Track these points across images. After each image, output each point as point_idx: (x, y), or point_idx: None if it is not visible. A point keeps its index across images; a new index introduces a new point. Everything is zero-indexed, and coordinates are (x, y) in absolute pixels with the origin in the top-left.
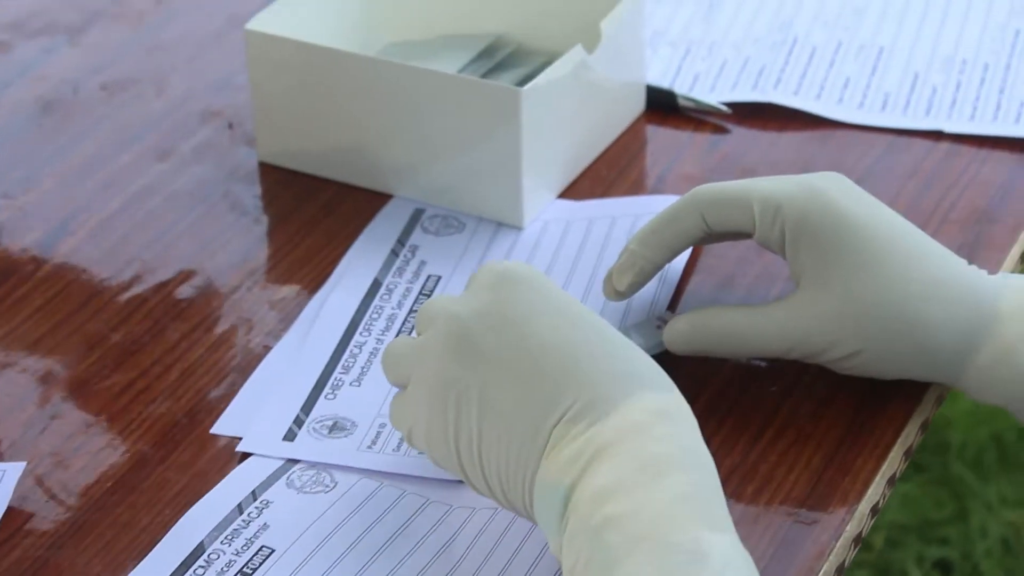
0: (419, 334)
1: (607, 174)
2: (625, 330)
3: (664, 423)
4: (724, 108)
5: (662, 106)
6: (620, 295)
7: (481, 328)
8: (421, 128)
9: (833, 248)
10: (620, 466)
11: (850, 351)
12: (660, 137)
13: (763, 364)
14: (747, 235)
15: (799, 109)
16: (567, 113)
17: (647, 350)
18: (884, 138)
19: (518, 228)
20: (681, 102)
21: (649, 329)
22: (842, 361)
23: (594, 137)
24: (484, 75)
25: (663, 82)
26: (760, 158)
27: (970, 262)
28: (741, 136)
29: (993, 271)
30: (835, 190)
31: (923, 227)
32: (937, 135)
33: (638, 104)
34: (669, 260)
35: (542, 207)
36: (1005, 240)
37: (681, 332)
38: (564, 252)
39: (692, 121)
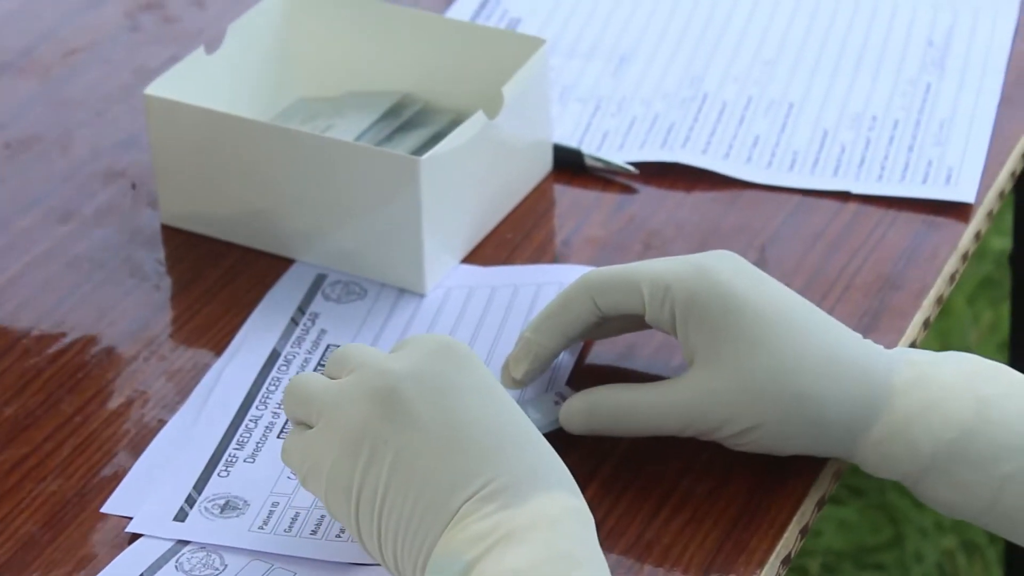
0: (333, 377)
1: (512, 237)
2: (523, 405)
3: (575, 523)
4: (631, 169)
5: (570, 165)
6: (517, 383)
7: (413, 390)
8: (322, 194)
9: (723, 327)
10: (531, 553)
11: (744, 428)
12: (567, 197)
13: (659, 443)
14: (640, 318)
15: (707, 169)
16: (470, 178)
17: (545, 426)
18: (792, 199)
19: (420, 295)
20: (588, 162)
21: (547, 405)
22: (736, 438)
23: (499, 199)
24: (392, 134)
25: (572, 140)
26: (667, 219)
27: (874, 329)
28: (648, 197)
29: (896, 338)
30: (724, 269)
31: (828, 293)
32: (845, 195)
33: (545, 164)
34: (565, 347)
35: (444, 272)
36: (909, 307)
37: (577, 412)
38: (466, 320)
39: (600, 181)
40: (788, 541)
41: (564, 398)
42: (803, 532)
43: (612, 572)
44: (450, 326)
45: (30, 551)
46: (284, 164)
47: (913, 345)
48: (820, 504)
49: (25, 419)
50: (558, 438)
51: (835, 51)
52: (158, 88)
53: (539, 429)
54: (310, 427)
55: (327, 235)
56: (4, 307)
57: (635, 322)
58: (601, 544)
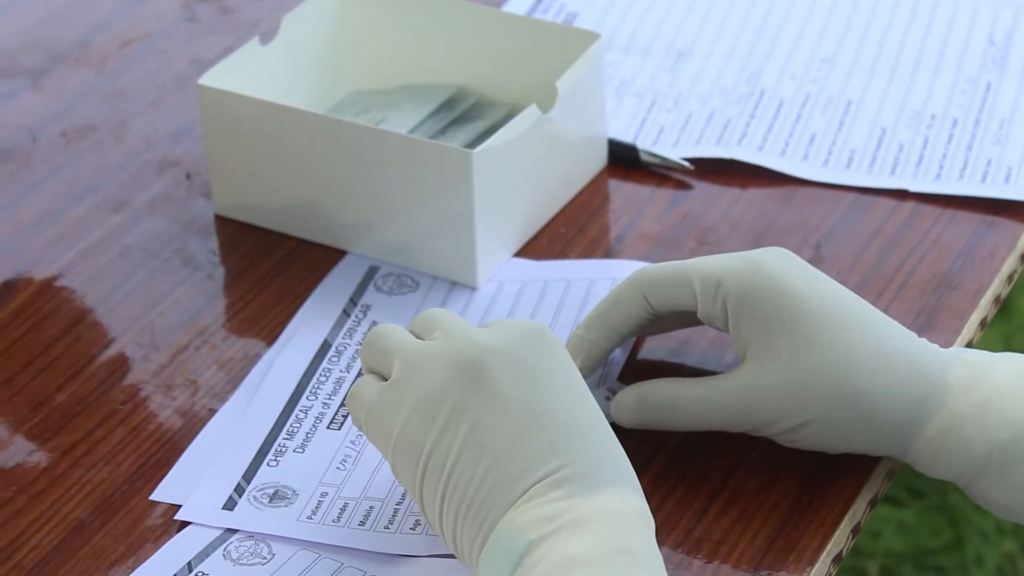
0: (418, 336)
1: (566, 232)
2: None
3: (639, 522)
4: (687, 164)
5: (625, 160)
6: None
7: (501, 366)
8: (375, 186)
9: (776, 322)
10: (594, 543)
11: (796, 424)
12: (622, 193)
13: (711, 437)
14: (691, 314)
15: (762, 166)
16: (523, 172)
17: None
18: (848, 196)
19: (472, 288)
20: (644, 157)
21: (599, 400)
22: (788, 434)
23: (553, 194)
24: (445, 127)
25: (627, 135)
26: (721, 216)
27: (929, 328)
28: (703, 193)
29: (952, 338)
30: (777, 265)
31: (883, 291)
32: (902, 194)
33: (599, 159)
34: (617, 344)
35: (497, 266)
36: (965, 306)
37: (627, 406)
38: (518, 313)
39: (655, 176)
40: (839, 540)
41: (615, 393)
42: (855, 531)
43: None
44: (503, 317)
45: (79, 537)
46: (338, 156)
47: (969, 345)
48: (872, 503)
49: (76, 406)
50: None
51: (894, 49)
52: (212, 78)
53: None
54: (384, 379)
55: (379, 227)
56: (57, 295)
57: (687, 319)
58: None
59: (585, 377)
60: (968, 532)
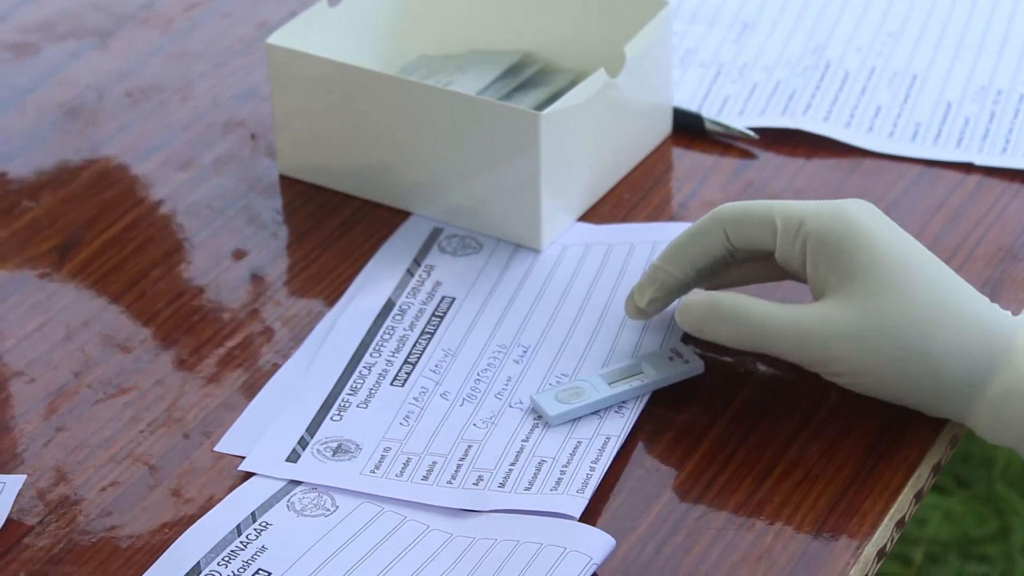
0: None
1: (629, 198)
2: (637, 361)
3: None
4: (751, 134)
5: (689, 129)
6: (641, 313)
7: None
8: (441, 148)
9: (856, 264)
10: None
11: (860, 367)
12: (686, 161)
13: (774, 400)
14: (766, 258)
15: (827, 136)
16: (589, 136)
17: (660, 381)
18: (913, 169)
19: (536, 250)
20: (708, 126)
21: (663, 361)
22: (850, 376)
23: (618, 160)
24: (510, 93)
25: (692, 104)
26: (786, 185)
27: (994, 299)
28: (767, 162)
29: (1017, 309)
30: (860, 212)
31: (948, 262)
32: (967, 167)
33: (664, 127)
34: (692, 278)
35: (561, 230)
36: None
37: (696, 304)
38: (582, 276)
39: (719, 145)
40: (902, 504)
41: (679, 354)
42: (917, 496)
43: (723, 529)
44: (565, 282)
45: (144, 485)
46: (405, 117)
47: None
48: (936, 469)
49: (140, 358)
50: (674, 393)
51: (960, 24)
52: (280, 38)
53: (653, 384)
54: None
55: (445, 189)
56: (123, 249)
57: (760, 267)
58: (712, 502)
59: (657, 310)
60: (1014, 522)
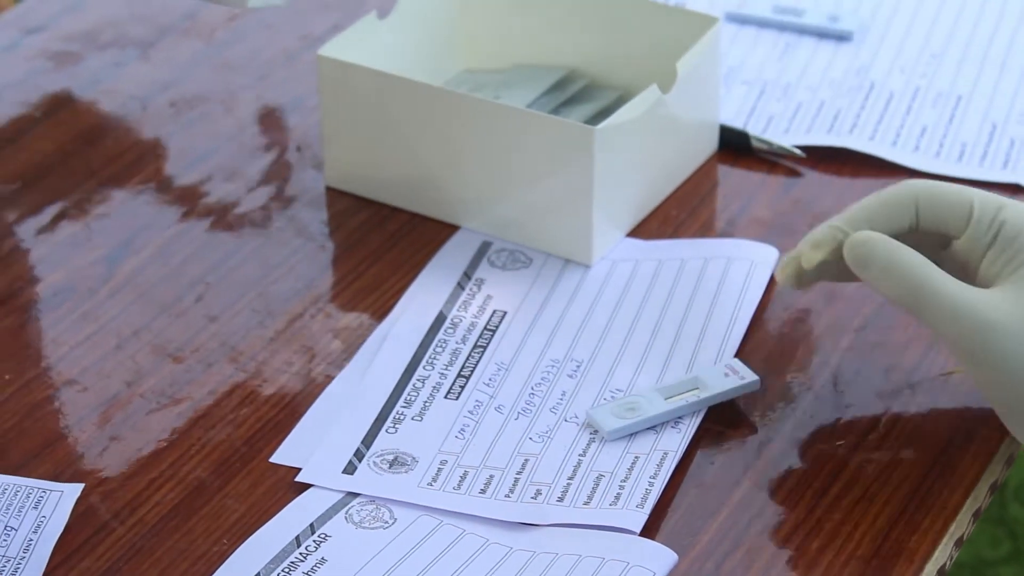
0: None
1: (677, 214)
2: (693, 377)
3: None
4: (798, 152)
5: (735, 147)
6: (799, 279)
7: None
8: (491, 161)
9: None
10: None
11: (1007, 365)
12: (732, 178)
13: (829, 419)
14: (949, 238)
15: (874, 155)
16: (639, 152)
17: (716, 397)
18: None
19: (586, 265)
20: (755, 143)
21: (718, 376)
22: (992, 372)
23: (666, 176)
24: (556, 108)
25: (737, 122)
26: (833, 203)
27: None
28: (814, 181)
29: None
30: None
31: None
32: (1014, 188)
33: (711, 144)
34: None
35: (610, 246)
36: None
37: (874, 243)
38: (633, 292)
39: (765, 163)
40: (961, 523)
41: (734, 370)
42: (976, 515)
43: (783, 547)
44: (616, 297)
45: (200, 495)
46: (456, 130)
47: None
48: (993, 489)
49: (193, 368)
50: (730, 410)
51: (1004, 46)
52: (331, 50)
53: (709, 400)
54: None
55: (494, 202)
56: (171, 260)
57: (915, 259)
58: (770, 519)
59: (812, 281)
60: None
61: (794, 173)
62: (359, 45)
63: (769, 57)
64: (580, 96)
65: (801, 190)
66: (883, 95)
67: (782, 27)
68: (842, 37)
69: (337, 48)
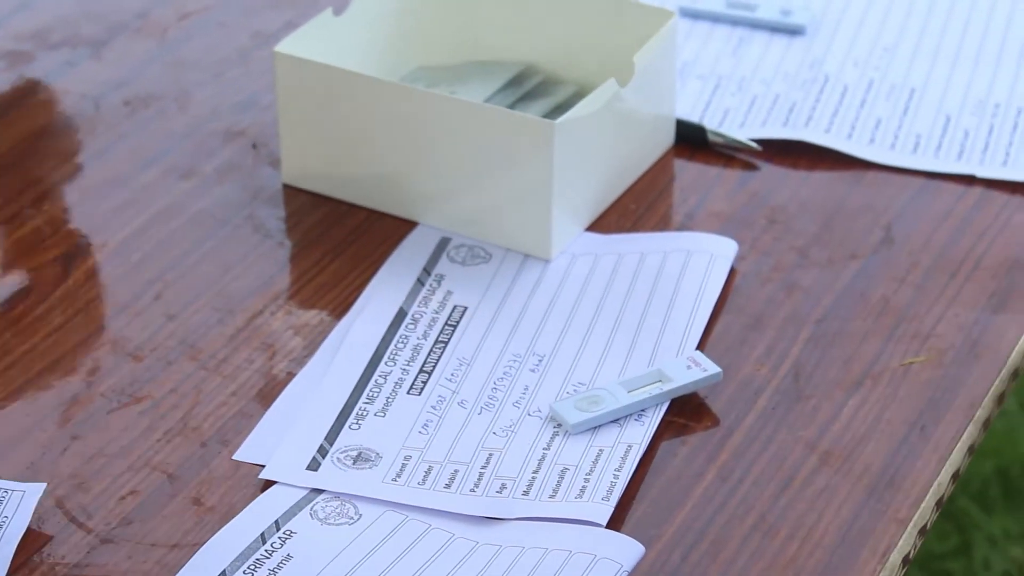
0: None
1: (635, 208)
2: (656, 369)
3: None
4: (754, 145)
5: (691, 140)
6: None
7: None
8: (449, 157)
9: None
10: None
11: None
12: (689, 172)
13: (791, 410)
14: None
15: (830, 148)
16: (598, 146)
17: (679, 389)
18: (916, 180)
19: (545, 260)
20: (711, 137)
21: (681, 369)
22: None
23: (624, 170)
24: (512, 104)
25: (692, 116)
26: (790, 196)
27: (1002, 309)
28: (770, 173)
29: (1022, 322)
30: None
31: (955, 272)
32: (969, 179)
33: (667, 138)
34: None
35: (570, 240)
36: None
37: None
38: (593, 285)
39: (721, 157)
40: (925, 512)
41: (696, 363)
42: (939, 504)
43: (748, 537)
44: (577, 291)
45: (163, 493)
46: (414, 126)
47: None
48: (955, 477)
49: (154, 367)
50: (693, 402)
51: (956, 37)
52: (287, 47)
53: (672, 392)
54: None
55: (453, 198)
56: (128, 259)
57: None
58: (735, 509)
59: None
60: (976, 537)
61: (751, 166)
62: (315, 42)
63: (723, 52)
64: (537, 91)
65: (758, 183)
66: (837, 88)
67: (735, 22)
68: (795, 31)
69: (293, 45)
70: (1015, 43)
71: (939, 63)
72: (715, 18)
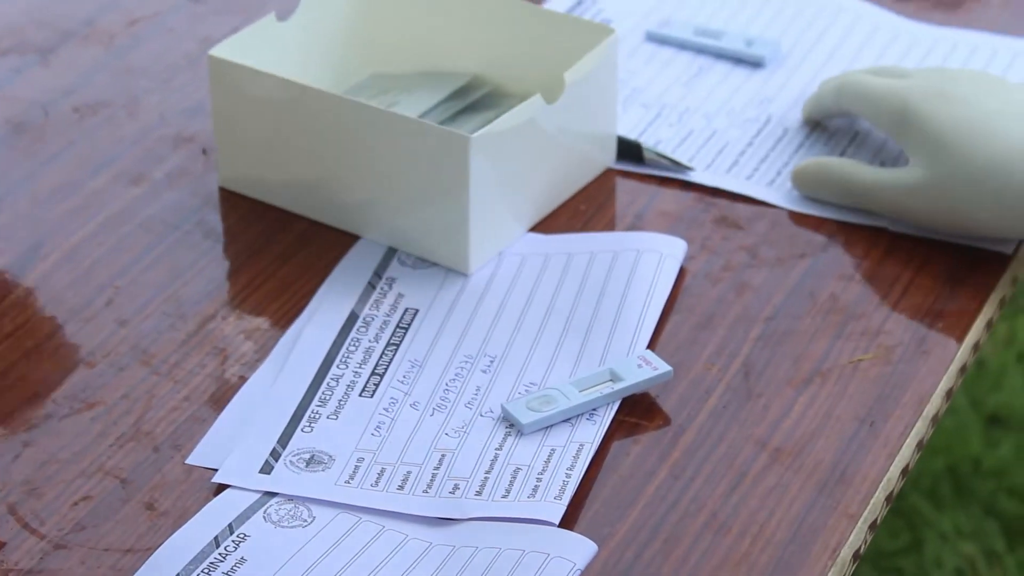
0: None
1: (585, 209)
2: (607, 369)
3: None
4: (689, 165)
5: (628, 157)
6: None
7: None
8: (375, 167)
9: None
10: None
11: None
12: (636, 177)
13: (742, 408)
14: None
15: (745, 195)
16: (524, 161)
17: (630, 388)
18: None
19: (464, 274)
20: (647, 155)
21: (632, 368)
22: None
23: (557, 185)
24: (456, 114)
25: None
26: (730, 201)
27: (950, 308)
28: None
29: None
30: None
31: (902, 271)
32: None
33: (608, 154)
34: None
35: (491, 255)
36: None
37: (809, 170)
38: (544, 286)
39: (659, 180)
40: (875, 508)
41: (647, 362)
42: (888, 499)
43: (701, 535)
44: (527, 291)
45: (116, 498)
46: (341, 135)
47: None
48: (904, 472)
49: (105, 373)
50: (644, 401)
51: None
52: (223, 50)
53: (624, 391)
54: None
55: (376, 209)
56: (78, 265)
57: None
58: (688, 508)
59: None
60: (927, 535)
61: (687, 188)
62: (255, 47)
63: (678, 81)
64: (482, 103)
65: (703, 189)
66: (777, 131)
67: (700, 49)
68: (756, 63)
69: (229, 49)
70: None
71: None
72: (681, 45)
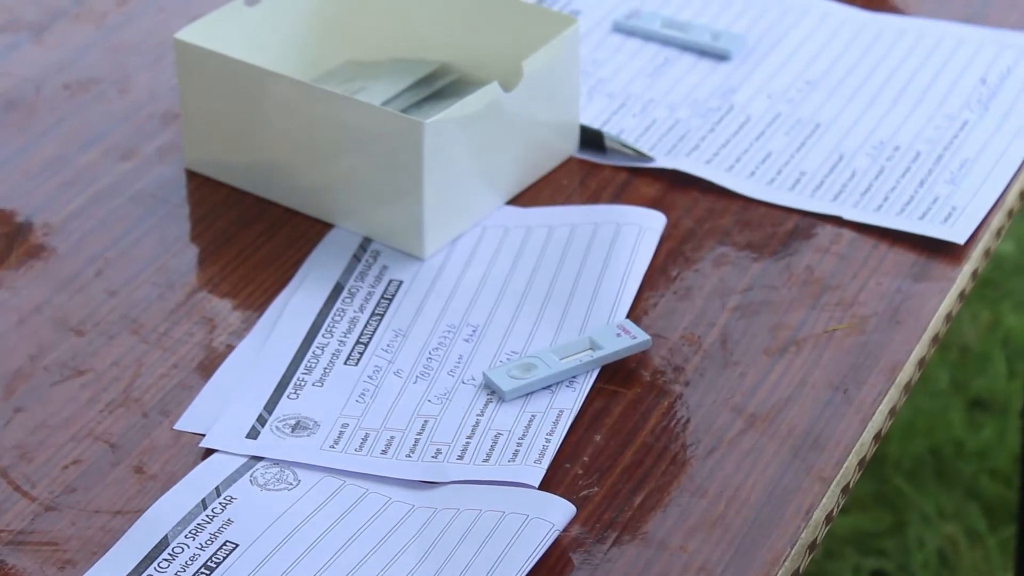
0: None
1: (567, 184)
2: (586, 337)
3: None
4: (649, 155)
5: (591, 146)
6: None
7: None
8: (334, 152)
9: None
10: None
11: None
12: (597, 172)
13: (719, 376)
14: None
15: (702, 177)
16: (481, 147)
17: (609, 356)
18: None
19: (419, 259)
20: (608, 143)
21: (611, 336)
22: None
23: (518, 173)
24: (421, 101)
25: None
26: (707, 185)
27: (922, 279)
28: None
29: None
30: None
31: (877, 243)
32: (837, 220)
33: (569, 144)
34: None
35: (448, 240)
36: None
37: None
38: (525, 257)
39: (623, 171)
40: (848, 471)
41: (626, 331)
42: (861, 464)
43: (677, 498)
44: (510, 262)
45: (106, 462)
46: (301, 119)
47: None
48: (877, 438)
49: (96, 341)
50: (623, 369)
51: (882, 78)
52: (189, 34)
53: (603, 359)
54: None
55: (335, 193)
56: (70, 237)
57: None
58: (665, 472)
59: None
60: (910, 516)
61: (651, 179)
62: (221, 31)
63: (643, 72)
64: (448, 90)
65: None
66: (738, 119)
67: (667, 41)
68: (721, 56)
69: (194, 33)
70: (941, 88)
71: (856, 101)
72: (648, 36)
